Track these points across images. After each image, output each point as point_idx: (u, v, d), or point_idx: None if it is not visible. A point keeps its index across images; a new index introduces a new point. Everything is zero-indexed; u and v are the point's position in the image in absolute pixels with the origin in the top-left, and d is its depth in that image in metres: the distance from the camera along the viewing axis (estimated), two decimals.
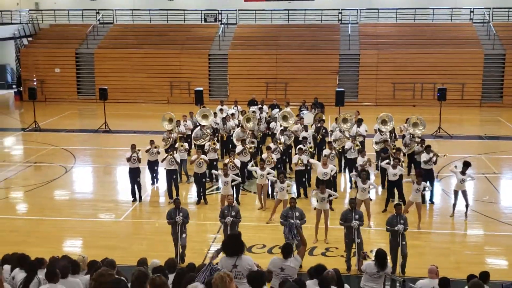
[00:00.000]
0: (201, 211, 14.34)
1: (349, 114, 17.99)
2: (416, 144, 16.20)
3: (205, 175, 14.82)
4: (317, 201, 12.24)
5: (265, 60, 32.07)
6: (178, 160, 14.70)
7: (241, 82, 32.24)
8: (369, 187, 12.73)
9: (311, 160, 14.52)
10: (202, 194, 14.61)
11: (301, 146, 15.55)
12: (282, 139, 16.79)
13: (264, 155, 14.98)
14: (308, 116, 21.44)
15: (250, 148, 15.91)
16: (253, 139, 16.82)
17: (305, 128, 17.66)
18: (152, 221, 13.67)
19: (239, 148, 15.86)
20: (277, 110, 22.82)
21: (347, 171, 16.84)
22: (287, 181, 13.08)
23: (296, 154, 15.40)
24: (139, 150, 15.00)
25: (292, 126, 18.67)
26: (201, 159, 14.30)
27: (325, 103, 25.08)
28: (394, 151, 15.10)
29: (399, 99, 31.24)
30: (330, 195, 12.15)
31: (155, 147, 15.71)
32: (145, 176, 16.63)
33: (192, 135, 18.22)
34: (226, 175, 13.33)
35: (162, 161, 14.77)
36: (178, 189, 14.75)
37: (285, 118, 18.44)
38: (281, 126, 18.52)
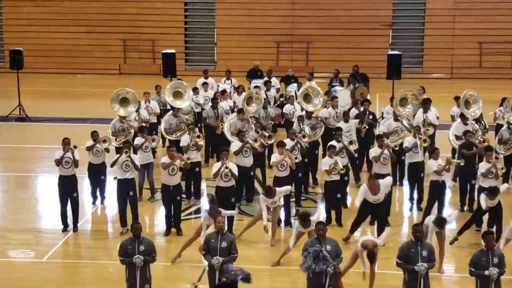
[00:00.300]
0: (173, 245, 14.33)
1: (409, 92, 17.91)
2: None
3: (179, 190, 14.77)
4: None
5: (275, 8, 32.09)
6: (138, 164, 14.65)
7: (236, 41, 32.31)
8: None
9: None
10: (176, 220, 14.60)
11: (333, 142, 15.50)
12: (306, 130, 16.75)
13: (276, 157, 14.92)
14: (344, 95, 21.40)
15: (258, 143, 15.88)
16: (260, 130, 16.78)
17: (345, 116, 17.43)
18: (95, 262, 13.63)
19: (235, 145, 15.83)
20: (294, 85, 22.82)
21: (406, 182, 16.83)
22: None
23: (326, 155, 15.35)
24: (75, 147, 14.93)
25: (319, 111, 18.61)
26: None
27: (370, 75, 25.02)
28: (484, 147, 15.14)
29: (489, 68, 31.20)
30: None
31: (104, 141, 15.72)
32: (84, 189, 16.57)
33: (162, 125, 18.21)
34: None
35: (112, 165, 14.72)
36: (136, 210, 14.73)
37: (307, 97, 18.41)
38: (301, 110, 18.47)
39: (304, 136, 16.00)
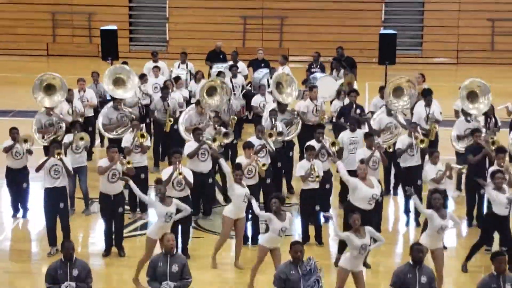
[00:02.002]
0: (113, 269, 14.28)
1: (406, 80, 18.03)
2: None
3: (122, 200, 14.71)
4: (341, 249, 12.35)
5: None
6: (70, 168, 14.58)
7: (193, 16, 32.28)
8: (444, 226, 12.81)
9: (343, 174, 14.37)
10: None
11: (312, 142, 15.56)
12: (279, 127, 16.79)
13: (242, 159, 14.97)
14: (326, 83, 21.46)
15: (216, 143, 15.82)
16: (222, 128, 16.77)
17: (351, 124, 16.81)
18: None
19: (190, 146, 15.84)
20: (262, 71, 22.85)
21: (399, 190, 16.96)
22: (288, 214, 13.09)
23: (303, 157, 15.36)
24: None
25: (296, 103, 18.65)
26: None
27: (358, 59, 25.13)
28: (493, 151, 15.20)
29: (502, 52, 31.53)
30: (371, 241, 12.23)
31: (25, 140, 15.60)
32: (2, 199, 16.57)
33: (99, 120, 18.14)
34: (163, 200, 13.35)
35: (38, 169, 14.66)
36: (68, 226, 14.64)
37: (279, 86, 18.48)
38: (273, 102, 18.49)
39: (271, 135, 15.97)
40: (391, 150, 15.91)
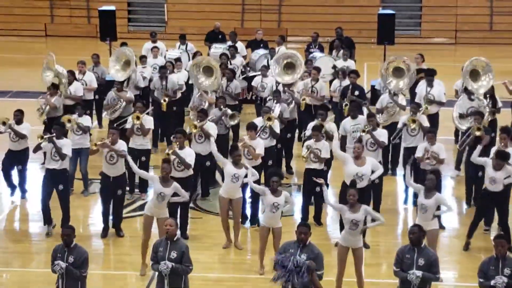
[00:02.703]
0: (112, 249, 14.31)
1: (405, 61, 17.95)
2: None
3: (122, 182, 14.68)
4: (342, 230, 12.27)
5: None
6: (66, 152, 14.48)
7: None
8: (424, 206, 12.74)
9: (335, 149, 14.43)
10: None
11: (315, 122, 15.52)
12: (277, 108, 16.74)
13: (244, 139, 14.91)
14: (325, 63, 21.38)
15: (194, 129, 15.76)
16: (228, 109, 16.74)
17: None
18: (15, 270, 13.56)
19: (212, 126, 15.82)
20: (259, 51, 22.76)
21: (399, 170, 16.89)
22: (284, 192, 13.11)
23: (304, 139, 15.28)
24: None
25: (296, 84, 18.61)
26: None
27: (356, 39, 25.04)
28: (479, 135, 15.12)
29: (501, 32, 31.46)
30: (366, 220, 12.21)
31: (3, 123, 15.46)
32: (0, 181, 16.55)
33: (104, 102, 18.19)
34: (166, 179, 13.28)
35: (35, 150, 14.66)
36: (68, 208, 14.65)
37: (287, 67, 18.47)
38: (276, 83, 18.43)
39: (270, 119, 15.83)
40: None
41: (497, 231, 14.05)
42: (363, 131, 14.88)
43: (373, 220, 12.37)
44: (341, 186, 14.03)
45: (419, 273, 10.50)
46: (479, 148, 14.19)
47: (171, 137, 14.54)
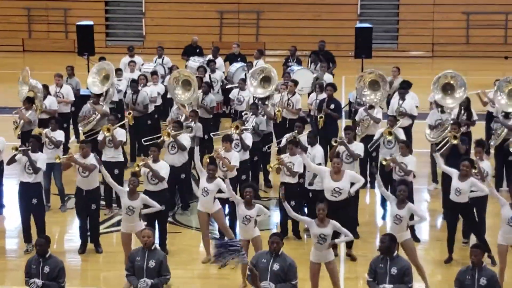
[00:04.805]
0: (89, 265, 14.24)
1: (380, 74, 18.00)
2: None
3: (95, 196, 14.60)
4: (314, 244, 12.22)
5: None
6: (40, 166, 14.38)
7: (169, 10, 32.23)
8: (398, 216, 12.72)
9: (309, 163, 14.38)
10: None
11: (291, 134, 15.52)
12: (251, 120, 16.73)
13: (218, 150, 14.89)
14: (303, 76, 21.41)
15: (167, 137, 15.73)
16: (196, 123, 16.71)
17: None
18: None
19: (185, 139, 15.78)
20: (236, 65, 22.75)
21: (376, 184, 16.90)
22: (258, 205, 13.02)
23: (279, 152, 15.28)
24: None
25: (272, 96, 18.64)
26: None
27: (334, 53, 25.10)
28: (456, 143, 15.20)
29: (477, 45, 31.64)
30: (338, 235, 12.18)
31: None
32: None
33: (78, 114, 18.09)
34: (133, 192, 13.17)
35: (9, 162, 14.60)
36: (43, 223, 14.53)
37: (264, 81, 18.51)
38: (254, 98, 18.49)
39: (236, 128, 15.74)
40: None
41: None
42: (335, 141, 14.87)
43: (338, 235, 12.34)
44: (313, 199, 13.96)
45: (389, 286, 10.51)
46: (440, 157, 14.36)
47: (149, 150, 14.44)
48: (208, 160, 14.10)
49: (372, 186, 17.38)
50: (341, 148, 14.87)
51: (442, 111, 16.85)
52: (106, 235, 15.17)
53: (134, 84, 18.84)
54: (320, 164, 14.49)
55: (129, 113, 17.71)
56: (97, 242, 14.60)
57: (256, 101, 18.06)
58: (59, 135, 16.12)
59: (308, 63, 23.40)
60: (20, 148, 14.26)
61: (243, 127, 15.99)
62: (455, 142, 15.16)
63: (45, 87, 18.15)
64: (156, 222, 14.07)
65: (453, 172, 13.76)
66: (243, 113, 17.82)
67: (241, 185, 14.21)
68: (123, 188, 13.54)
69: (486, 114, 18.74)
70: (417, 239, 14.23)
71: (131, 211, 13.03)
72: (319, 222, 11.87)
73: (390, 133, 15.57)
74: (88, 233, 14.59)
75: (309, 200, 14.71)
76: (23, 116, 17.20)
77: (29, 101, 17.40)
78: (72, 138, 19.99)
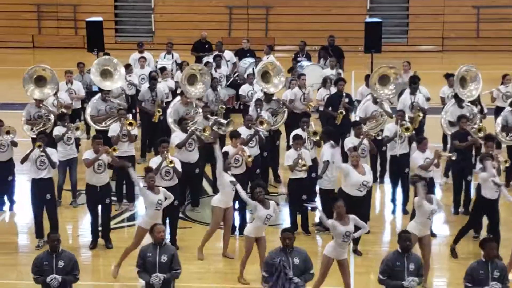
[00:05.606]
0: (100, 260, 14.29)
1: (391, 69, 18.00)
2: None
3: (108, 191, 14.66)
4: (332, 238, 12.25)
5: None
6: (55, 160, 14.51)
7: (178, 6, 32.19)
8: (433, 210, 12.80)
9: (339, 164, 14.30)
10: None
11: (299, 131, 15.53)
12: (264, 116, 16.75)
13: (229, 148, 14.91)
14: (313, 72, 21.42)
15: (207, 132, 15.73)
16: (211, 116, 16.76)
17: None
18: (4, 282, 13.53)
19: (176, 136, 15.79)
20: (248, 60, 22.79)
21: (387, 178, 16.94)
22: (271, 202, 13.08)
23: (290, 147, 15.33)
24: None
25: (282, 92, 18.62)
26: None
27: (344, 47, 25.12)
28: (481, 137, 15.29)
29: (487, 39, 31.59)
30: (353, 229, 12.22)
31: (7, 132, 15.53)
32: None
33: (87, 112, 18.05)
34: (153, 188, 13.28)
35: (23, 161, 14.63)
36: (56, 218, 14.61)
37: (265, 76, 18.42)
38: (261, 91, 18.43)
39: (261, 123, 15.94)
40: (380, 137, 15.90)
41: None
42: (378, 135, 15.01)
43: (358, 228, 12.37)
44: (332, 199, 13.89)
45: (416, 279, 10.60)
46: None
47: (159, 146, 14.46)
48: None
49: (381, 181, 17.39)
50: (347, 141, 14.99)
51: (461, 106, 16.89)
52: (117, 231, 15.23)
53: (154, 81, 18.70)
54: (327, 161, 14.52)
55: (158, 111, 17.76)
56: (108, 237, 14.66)
57: (261, 96, 17.99)
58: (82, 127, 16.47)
59: (318, 58, 23.42)
60: (39, 144, 14.21)
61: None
62: (481, 134, 15.36)
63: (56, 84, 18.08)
64: (168, 217, 14.13)
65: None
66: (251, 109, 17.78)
67: (254, 178, 14.35)
68: (144, 189, 13.42)
69: (495, 109, 18.76)
70: (433, 234, 14.26)
71: (159, 205, 13.13)
72: (341, 221, 11.89)
73: (407, 129, 15.58)
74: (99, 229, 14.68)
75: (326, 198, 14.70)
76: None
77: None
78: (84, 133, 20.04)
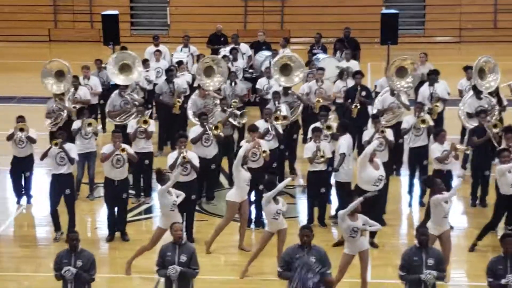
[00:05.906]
0: (117, 253, 14.35)
1: (409, 60, 17.96)
2: None
3: (126, 186, 14.71)
4: (348, 233, 12.20)
5: None
6: (74, 156, 14.55)
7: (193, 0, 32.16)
8: (447, 209, 12.75)
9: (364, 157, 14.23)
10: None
11: (318, 124, 15.52)
12: (283, 110, 16.75)
13: (245, 143, 14.89)
14: (329, 65, 21.38)
15: (219, 130, 15.74)
16: (228, 109, 16.76)
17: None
18: (22, 275, 13.55)
19: (193, 131, 15.81)
20: (263, 53, 22.76)
21: (403, 170, 16.89)
22: (279, 198, 13.09)
23: (308, 140, 15.34)
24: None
25: (300, 86, 18.59)
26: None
27: (360, 39, 25.05)
28: (498, 131, 15.21)
29: (505, 30, 31.49)
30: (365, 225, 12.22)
31: (21, 129, 15.58)
32: (6, 186, 16.64)
33: (106, 107, 18.14)
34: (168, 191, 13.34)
35: (42, 157, 14.70)
36: (74, 212, 14.70)
37: (284, 69, 18.43)
38: (279, 85, 18.39)
39: (277, 118, 15.95)
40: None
41: (504, 230, 14.03)
42: (382, 131, 14.93)
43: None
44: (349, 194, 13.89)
45: (434, 272, 10.54)
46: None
47: (177, 141, 14.48)
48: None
49: (398, 173, 17.36)
50: (366, 134, 15.04)
51: (479, 98, 16.82)
52: (133, 223, 15.27)
53: (171, 73, 18.73)
54: (344, 153, 14.52)
55: (178, 101, 17.80)
56: (124, 230, 14.72)
57: (279, 89, 17.97)
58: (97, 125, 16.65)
59: (334, 51, 23.38)
60: (56, 141, 14.28)
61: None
62: (496, 130, 15.33)
63: (75, 77, 18.21)
64: (184, 211, 14.13)
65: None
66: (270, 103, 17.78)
67: (271, 173, 14.35)
68: (165, 191, 13.29)
69: None
70: (451, 226, 14.23)
71: (174, 206, 13.16)
72: (350, 216, 11.90)
73: (423, 121, 15.55)
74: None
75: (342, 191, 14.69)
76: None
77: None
78: (99, 127, 20.02)
